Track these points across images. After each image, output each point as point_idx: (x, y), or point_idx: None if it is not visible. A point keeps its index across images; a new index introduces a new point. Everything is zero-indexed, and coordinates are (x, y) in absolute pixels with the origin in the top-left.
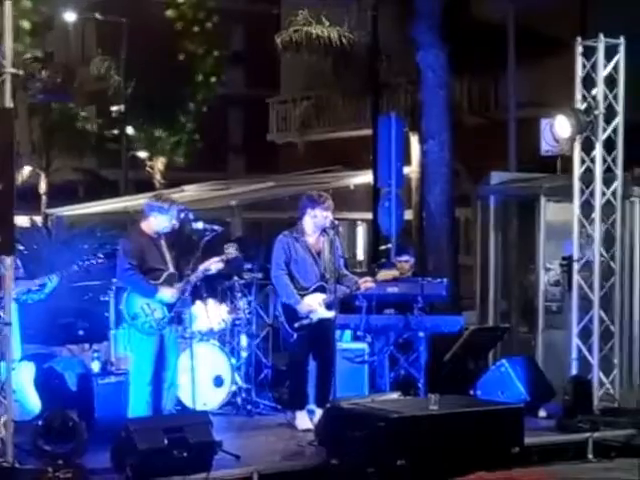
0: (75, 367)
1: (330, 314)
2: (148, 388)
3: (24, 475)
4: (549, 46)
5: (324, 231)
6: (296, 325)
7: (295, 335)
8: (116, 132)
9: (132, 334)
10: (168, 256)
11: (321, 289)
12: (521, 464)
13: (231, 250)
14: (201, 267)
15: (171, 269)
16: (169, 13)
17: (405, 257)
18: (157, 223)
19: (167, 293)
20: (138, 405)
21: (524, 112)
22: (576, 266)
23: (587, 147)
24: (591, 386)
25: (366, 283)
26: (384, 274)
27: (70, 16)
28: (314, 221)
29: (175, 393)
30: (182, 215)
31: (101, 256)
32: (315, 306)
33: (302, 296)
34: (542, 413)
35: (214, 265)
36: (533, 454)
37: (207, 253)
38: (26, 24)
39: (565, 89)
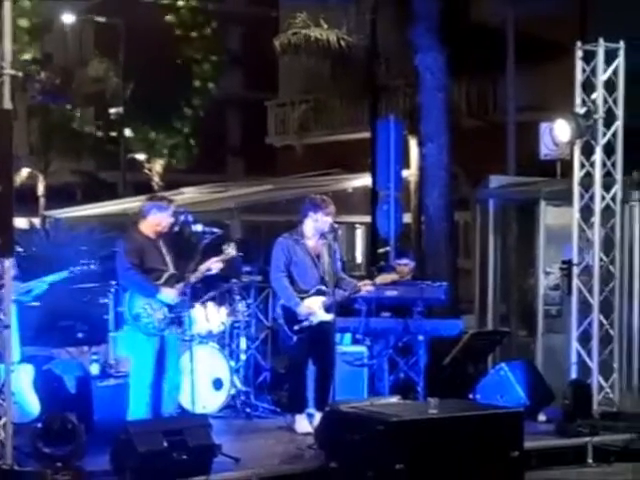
0: (74, 369)
1: (329, 317)
2: (148, 390)
3: (23, 477)
4: (549, 50)
5: (323, 235)
6: (296, 328)
7: (295, 338)
8: (114, 134)
9: (133, 335)
10: (168, 257)
11: (320, 292)
12: (520, 468)
13: (230, 250)
14: (202, 267)
15: (172, 270)
16: (168, 18)
17: (405, 260)
18: (156, 221)
19: (169, 294)
20: (138, 407)
21: (523, 116)
22: (576, 270)
23: (587, 151)
24: (590, 390)
25: (366, 286)
26: (383, 278)
27: (68, 18)
28: (315, 225)
29: (177, 396)
30: (181, 217)
31: (93, 262)
32: (314, 309)
33: (302, 299)
34: (541, 417)
35: (214, 265)
36: (532, 458)
37: (206, 255)
38: (24, 22)
39: (565, 93)
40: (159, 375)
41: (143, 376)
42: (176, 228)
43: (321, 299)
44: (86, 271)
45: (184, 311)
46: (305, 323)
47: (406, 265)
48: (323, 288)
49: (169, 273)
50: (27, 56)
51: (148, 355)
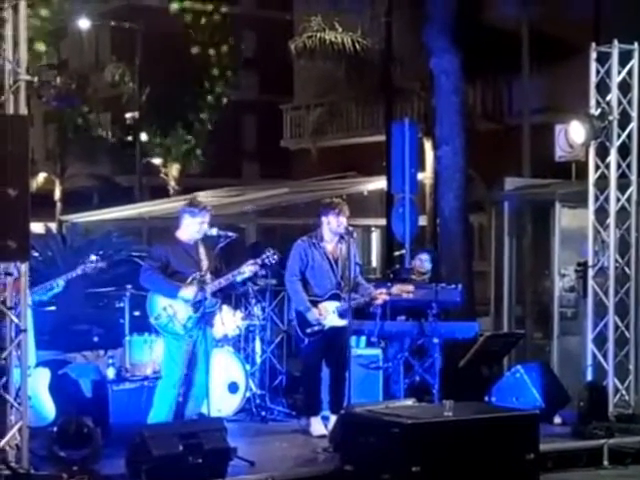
0: (90, 373)
1: (342, 322)
2: (173, 391)
3: None
4: (563, 52)
5: (342, 238)
6: (308, 331)
7: (307, 340)
8: (130, 139)
9: (164, 336)
10: (205, 262)
11: (336, 297)
12: (536, 471)
13: (270, 255)
14: (244, 268)
15: (203, 273)
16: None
17: (424, 255)
18: (188, 228)
19: (189, 292)
20: (161, 407)
21: (538, 118)
22: (591, 272)
23: (601, 153)
24: (606, 392)
25: (382, 295)
26: (399, 288)
27: (84, 23)
28: (329, 227)
29: (202, 398)
30: None
31: (104, 263)
32: (326, 314)
33: (316, 303)
34: (557, 419)
35: (248, 268)
36: (548, 461)
37: (222, 260)
38: (40, 28)
39: (579, 95)
40: (188, 376)
41: (169, 376)
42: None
43: (335, 304)
44: (98, 268)
45: (212, 310)
46: (317, 327)
47: (422, 262)
48: (338, 293)
49: (196, 275)
50: (43, 61)
51: (174, 355)
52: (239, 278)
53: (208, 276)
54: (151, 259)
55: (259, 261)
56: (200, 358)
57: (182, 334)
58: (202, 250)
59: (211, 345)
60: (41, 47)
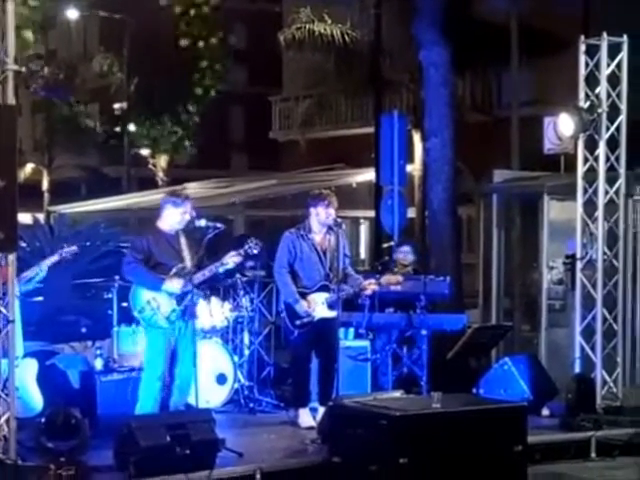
0: (78, 364)
1: (331, 314)
2: (157, 383)
3: (27, 472)
4: (552, 44)
5: (330, 229)
6: (297, 323)
7: (296, 332)
8: (118, 129)
9: (145, 328)
10: (186, 252)
11: (325, 288)
12: (524, 463)
13: (252, 245)
14: (216, 263)
15: (186, 264)
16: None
17: (405, 248)
18: (170, 217)
19: (174, 284)
20: (146, 400)
21: (527, 110)
22: (579, 264)
23: (590, 145)
24: (594, 384)
25: (371, 285)
26: (388, 278)
27: (72, 13)
28: (317, 219)
29: (188, 390)
30: None
31: (74, 247)
32: (315, 306)
33: (305, 295)
34: (545, 411)
35: (232, 259)
36: (536, 453)
37: (209, 251)
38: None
39: (568, 87)
40: (170, 368)
41: (153, 368)
42: (189, 220)
43: (325, 295)
44: (73, 252)
45: (195, 302)
46: (306, 319)
47: (405, 254)
48: (327, 284)
49: (179, 266)
50: (30, 51)
51: (158, 347)
52: (221, 269)
53: (190, 267)
54: (134, 251)
55: (242, 252)
56: (183, 350)
57: (166, 327)
58: (183, 240)
59: (194, 337)
60: (29, 35)
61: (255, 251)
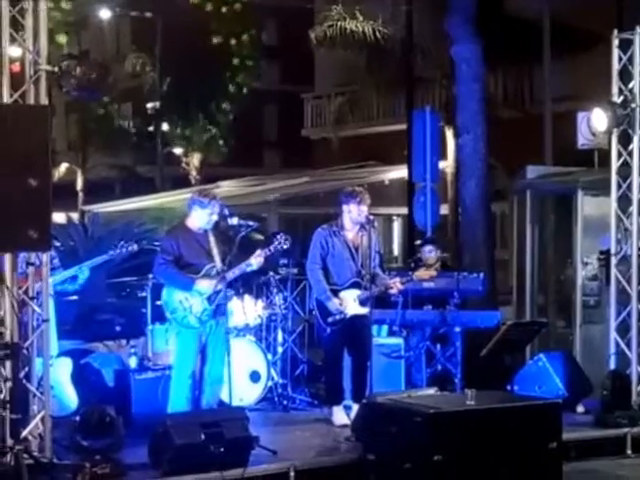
0: (112, 363)
1: (364, 310)
2: (188, 382)
3: (62, 470)
4: (585, 39)
5: (363, 227)
6: (329, 320)
7: (329, 330)
8: (151, 129)
9: (175, 327)
10: (215, 251)
11: (356, 285)
12: (558, 460)
13: (282, 240)
14: (242, 264)
15: (216, 264)
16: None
17: (428, 247)
18: (198, 218)
19: (205, 284)
20: (178, 399)
21: (560, 105)
22: (614, 260)
23: (624, 140)
24: (629, 381)
25: (396, 284)
26: (421, 273)
27: (105, 13)
28: (350, 216)
29: (219, 389)
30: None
31: (134, 246)
32: (347, 303)
33: (336, 291)
34: (580, 408)
35: (257, 260)
36: (571, 450)
37: (243, 249)
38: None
39: (601, 82)
40: (201, 367)
41: (184, 368)
42: (217, 220)
43: (356, 292)
44: (125, 254)
45: (226, 301)
46: (338, 316)
47: (429, 253)
48: (359, 281)
49: (208, 266)
50: (64, 51)
51: (189, 347)
52: (249, 269)
53: (219, 266)
54: (163, 252)
55: (271, 249)
56: (214, 348)
57: (197, 327)
58: (212, 239)
59: (226, 335)
60: (62, 39)
61: (285, 246)
